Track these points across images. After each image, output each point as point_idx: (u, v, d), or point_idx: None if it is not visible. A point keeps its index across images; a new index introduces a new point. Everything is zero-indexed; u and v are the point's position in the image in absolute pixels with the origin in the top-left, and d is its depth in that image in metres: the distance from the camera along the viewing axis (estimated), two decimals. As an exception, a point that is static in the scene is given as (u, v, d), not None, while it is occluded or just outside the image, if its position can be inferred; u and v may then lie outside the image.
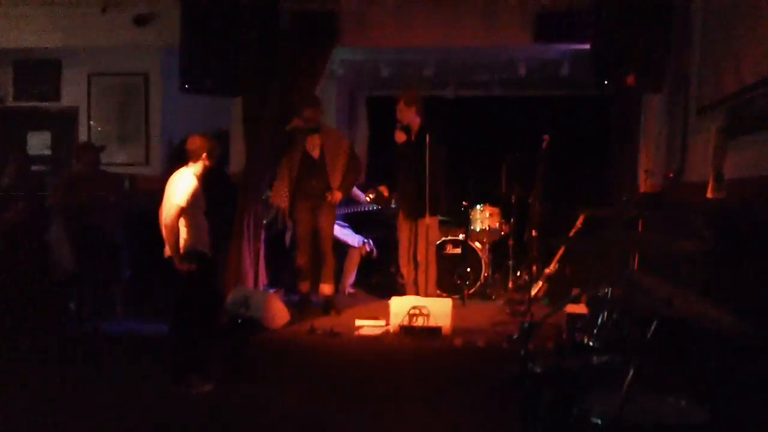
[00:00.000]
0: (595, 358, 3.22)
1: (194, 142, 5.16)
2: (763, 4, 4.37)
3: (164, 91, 7.96)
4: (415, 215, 6.56)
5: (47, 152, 8.42)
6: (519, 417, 3.04)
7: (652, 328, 2.15)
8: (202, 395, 4.88)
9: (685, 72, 5.94)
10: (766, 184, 4.21)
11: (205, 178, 5.21)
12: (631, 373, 2.18)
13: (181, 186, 4.97)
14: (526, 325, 2.89)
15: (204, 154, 5.12)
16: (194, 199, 4.98)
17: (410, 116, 6.51)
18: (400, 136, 6.49)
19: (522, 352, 2.86)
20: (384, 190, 7.12)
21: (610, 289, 3.58)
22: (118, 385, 5.10)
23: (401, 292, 6.76)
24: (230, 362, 5.43)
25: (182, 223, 4.96)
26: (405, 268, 6.80)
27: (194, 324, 5.07)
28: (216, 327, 5.35)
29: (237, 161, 7.47)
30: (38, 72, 8.28)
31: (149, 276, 6.86)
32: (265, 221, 7.39)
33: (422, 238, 6.53)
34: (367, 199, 7.84)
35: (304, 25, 7.07)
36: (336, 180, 6.65)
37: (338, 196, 6.67)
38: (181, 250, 4.95)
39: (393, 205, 7.76)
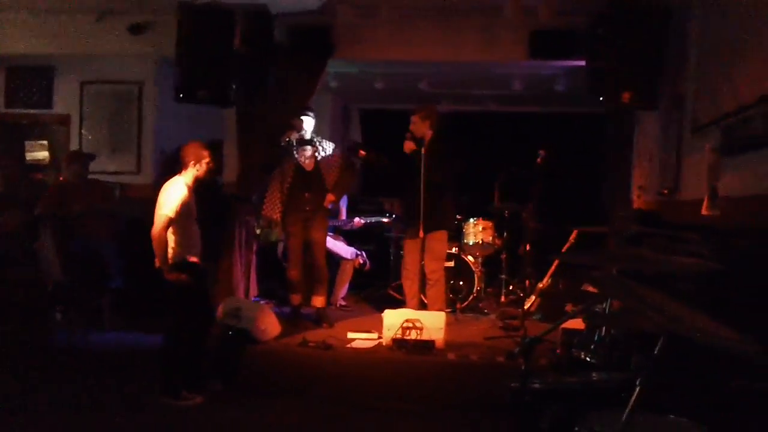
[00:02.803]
0: (595, 375, 3.21)
1: (187, 150, 5.14)
2: (758, 26, 4.40)
3: (158, 101, 7.92)
4: (424, 229, 6.46)
5: (45, 161, 8.34)
6: (517, 433, 3.01)
7: (659, 345, 2.14)
8: (191, 407, 4.83)
9: (681, 90, 5.97)
10: (761, 202, 4.22)
11: (197, 188, 5.18)
12: (637, 390, 2.16)
13: (171, 196, 4.92)
14: (527, 339, 2.86)
15: (196, 163, 5.09)
16: (184, 208, 4.93)
17: (423, 129, 6.45)
18: (409, 146, 6.39)
19: (523, 368, 2.83)
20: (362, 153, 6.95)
21: (608, 304, 3.57)
22: (104, 397, 5.04)
23: (399, 306, 6.70)
24: (221, 374, 5.38)
25: (171, 232, 4.92)
26: (407, 282, 6.72)
27: (185, 335, 5.03)
28: (207, 338, 5.28)
29: (230, 172, 7.43)
30: (30, 79, 8.20)
31: (139, 286, 6.81)
32: (258, 232, 7.35)
33: (429, 252, 6.47)
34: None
35: (299, 38, 7.08)
36: (329, 185, 6.63)
37: (330, 198, 6.63)
38: (170, 260, 4.90)
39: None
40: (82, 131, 8.07)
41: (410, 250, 6.61)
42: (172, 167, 7.79)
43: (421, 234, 6.28)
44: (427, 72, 8.30)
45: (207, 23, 6.49)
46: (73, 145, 8.00)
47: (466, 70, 8.21)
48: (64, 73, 8.17)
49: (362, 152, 6.81)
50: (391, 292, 7.91)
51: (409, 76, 8.38)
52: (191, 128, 7.73)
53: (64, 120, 8.18)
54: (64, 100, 8.18)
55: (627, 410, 2.21)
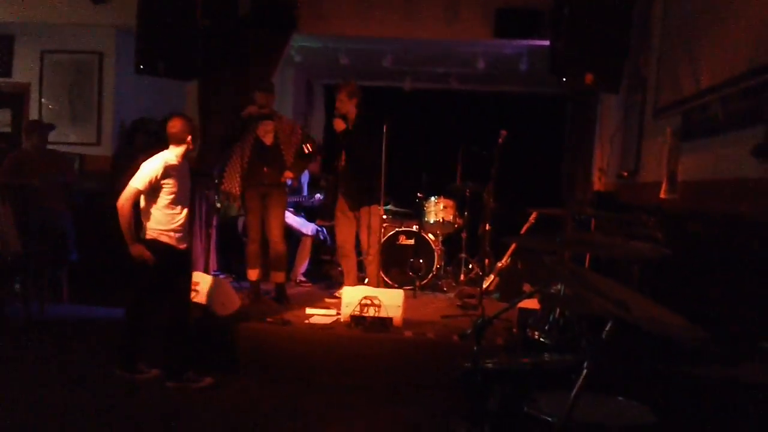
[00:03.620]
0: (546, 355, 3.25)
1: (176, 125, 4.90)
2: (721, 11, 4.44)
3: (118, 72, 7.77)
4: (356, 205, 6.53)
5: (7, 129, 8.13)
6: (468, 412, 3.04)
7: (607, 329, 2.17)
8: (146, 382, 4.81)
9: (643, 74, 6.01)
10: (717, 187, 4.29)
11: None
12: (584, 373, 2.19)
13: (145, 169, 4.76)
14: (480, 320, 2.89)
15: (189, 138, 4.92)
16: (155, 184, 4.75)
17: (349, 107, 6.48)
18: (340, 125, 6.45)
19: (475, 348, 2.86)
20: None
21: (562, 287, 3.60)
22: (60, 370, 4.99)
23: (340, 283, 6.77)
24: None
25: (144, 207, 4.81)
26: (343, 259, 6.78)
27: (144, 311, 4.96)
28: (185, 321, 5.09)
29: (189, 146, 7.34)
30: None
31: (97, 259, 6.73)
32: (218, 205, 7.30)
33: (365, 228, 6.53)
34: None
35: (263, 12, 6.99)
36: (288, 161, 6.60)
37: (288, 174, 6.61)
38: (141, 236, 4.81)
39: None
40: (42, 100, 7.91)
41: (343, 226, 6.67)
42: (131, 139, 7.70)
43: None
44: (391, 49, 8.25)
45: (169, -6, 6.38)
46: (33, 115, 7.85)
47: (430, 48, 8.19)
48: (24, 41, 7.98)
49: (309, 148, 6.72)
50: (339, 269, 7.93)
51: (372, 52, 8.32)
52: (152, 101, 7.61)
53: (24, 88, 8.00)
54: (24, 68, 7.99)
55: (573, 392, 2.24)
